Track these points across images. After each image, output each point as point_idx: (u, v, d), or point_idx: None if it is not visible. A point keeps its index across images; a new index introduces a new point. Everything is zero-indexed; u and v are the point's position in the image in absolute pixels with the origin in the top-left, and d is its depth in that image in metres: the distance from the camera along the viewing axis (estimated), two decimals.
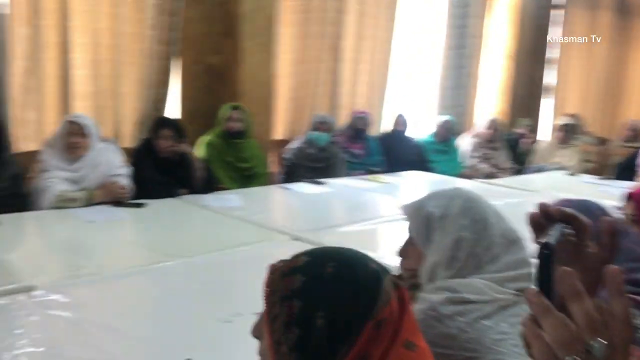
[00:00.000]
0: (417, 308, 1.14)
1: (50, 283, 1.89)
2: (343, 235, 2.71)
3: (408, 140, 5.23)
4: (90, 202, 2.99)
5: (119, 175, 3.16)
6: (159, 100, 4.17)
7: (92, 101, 3.86)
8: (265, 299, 0.84)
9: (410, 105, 5.94)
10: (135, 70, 4.02)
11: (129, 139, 4.05)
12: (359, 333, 0.78)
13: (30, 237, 2.69)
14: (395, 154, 4.93)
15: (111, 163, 3.17)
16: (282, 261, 0.87)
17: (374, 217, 3.10)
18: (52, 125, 3.55)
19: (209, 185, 3.45)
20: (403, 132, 5.21)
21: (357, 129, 4.82)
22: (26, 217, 2.81)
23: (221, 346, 1.50)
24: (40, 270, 2.05)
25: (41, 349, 1.46)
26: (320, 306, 0.78)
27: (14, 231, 2.56)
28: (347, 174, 4.36)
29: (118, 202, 3.04)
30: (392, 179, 4.28)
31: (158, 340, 1.55)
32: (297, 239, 2.53)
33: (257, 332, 0.87)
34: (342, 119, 5.16)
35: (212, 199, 3.28)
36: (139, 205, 3.06)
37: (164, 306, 1.88)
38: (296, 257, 0.86)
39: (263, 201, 3.52)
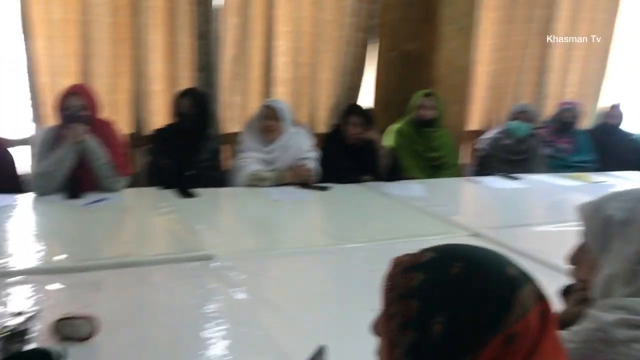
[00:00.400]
0: (583, 327, 0.97)
1: (229, 254, 2.01)
2: (532, 236, 2.48)
3: (625, 135, 4.60)
4: (279, 182, 3.15)
5: (307, 158, 3.27)
6: (354, 87, 4.23)
7: (291, 87, 4.06)
8: (384, 295, 0.76)
9: (631, 96, 5.20)
10: (333, 57, 4.12)
11: (323, 124, 4.18)
12: (483, 346, 0.66)
13: (221, 210, 2.92)
14: (608, 150, 4.36)
15: (301, 147, 3.30)
16: (407, 255, 0.78)
17: (574, 219, 2.76)
18: (255, 109, 3.79)
19: (394, 173, 3.41)
20: (618, 125, 4.59)
21: (565, 122, 4.35)
22: (221, 192, 3.06)
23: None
24: (223, 241, 2.20)
25: (207, 313, 1.55)
26: (439, 310, 0.68)
27: (209, 204, 2.80)
28: (548, 170, 3.98)
29: (304, 184, 3.16)
30: (603, 178, 3.80)
31: (312, 322, 1.55)
32: (476, 235, 2.37)
33: (376, 330, 0.80)
34: (548, 110, 4.73)
35: (395, 187, 3.23)
36: (323, 189, 3.14)
37: (329, 289, 1.89)
38: (422, 252, 0.76)
39: (448, 193, 3.37)
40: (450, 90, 4.20)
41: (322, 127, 4.16)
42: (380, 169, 3.39)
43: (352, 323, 1.54)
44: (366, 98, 4.30)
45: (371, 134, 3.41)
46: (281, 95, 3.97)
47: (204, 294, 1.69)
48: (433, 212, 2.73)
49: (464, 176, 3.99)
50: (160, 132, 3.30)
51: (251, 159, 3.19)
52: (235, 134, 3.62)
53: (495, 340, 0.66)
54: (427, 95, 3.83)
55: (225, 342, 1.40)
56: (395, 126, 3.90)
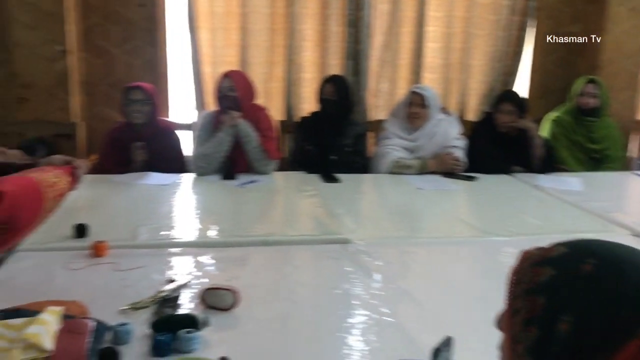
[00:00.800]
0: None
1: (367, 240, 2.04)
2: None
3: None
4: (423, 171, 3.11)
5: (454, 147, 3.19)
6: (509, 73, 4.02)
7: (441, 73, 3.97)
8: (509, 289, 0.73)
9: None
10: (487, 42, 3.95)
11: (473, 112, 4.04)
12: (613, 352, 0.60)
13: (363, 196, 2.94)
14: None
15: (448, 135, 3.22)
16: (537, 249, 0.74)
17: None
18: (402, 96, 3.77)
19: (548, 164, 3.20)
20: None
21: None
22: (364, 178, 3.09)
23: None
24: (362, 226, 2.23)
25: (342, 295, 1.59)
26: (567, 308, 0.64)
27: (351, 189, 2.84)
28: None
29: (450, 173, 3.09)
30: None
31: (444, 313, 1.52)
32: (638, 235, 2.15)
33: (500, 324, 0.77)
34: None
35: (548, 180, 3.03)
36: (470, 178, 3.04)
37: (466, 281, 1.83)
38: (553, 246, 0.71)
39: (609, 188, 3.08)
40: (617, 77, 3.86)
41: (473, 115, 4.02)
42: (533, 160, 3.20)
43: (484, 317, 1.49)
44: (522, 85, 4.07)
45: (525, 123, 3.23)
46: (430, 81, 3.90)
47: (340, 277, 1.73)
48: (590, 208, 2.53)
49: (629, 170, 3.63)
50: (305, 119, 3.42)
51: (395, 146, 3.18)
52: (381, 121, 3.63)
53: (630, 346, 0.60)
54: (590, 81, 3.54)
55: (358, 326, 1.43)
56: (553, 115, 3.66)
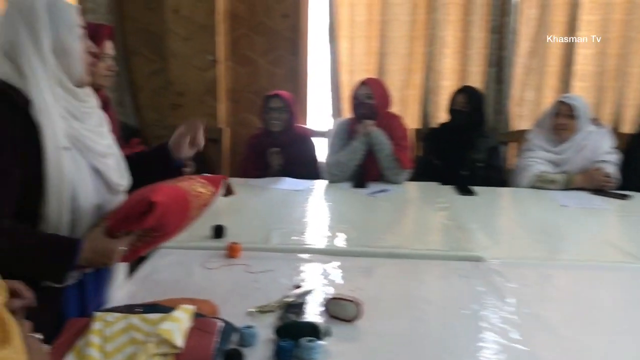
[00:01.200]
0: None
1: (501, 259, 1.93)
2: None
3: None
4: (568, 186, 2.90)
5: (605, 161, 2.93)
6: None
7: (593, 81, 3.68)
8: None
9: None
10: None
11: (630, 124, 3.68)
12: None
13: (499, 211, 2.79)
14: None
15: (598, 148, 2.97)
16: None
17: None
18: (548, 105, 3.55)
19: None
20: None
21: None
22: (501, 192, 2.94)
23: None
24: (497, 244, 2.11)
25: (471, 316, 1.52)
26: None
27: (486, 203, 2.72)
28: None
29: (599, 190, 2.85)
30: None
31: (583, 346, 1.39)
32: None
33: None
34: None
35: None
36: (622, 197, 2.79)
37: (611, 312, 1.65)
38: None
39: None
40: None
41: (629, 127, 3.67)
42: None
43: (628, 354, 1.34)
44: None
45: None
46: (580, 90, 3.63)
47: (470, 297, 1.65)
48: None
49: None
50: (433, 131, 3.34)
51: (538, 159, 2.99)
52: (525, 132, 3.44)
53: None
54: None
55: (485, 351, 1.35)
56: None
